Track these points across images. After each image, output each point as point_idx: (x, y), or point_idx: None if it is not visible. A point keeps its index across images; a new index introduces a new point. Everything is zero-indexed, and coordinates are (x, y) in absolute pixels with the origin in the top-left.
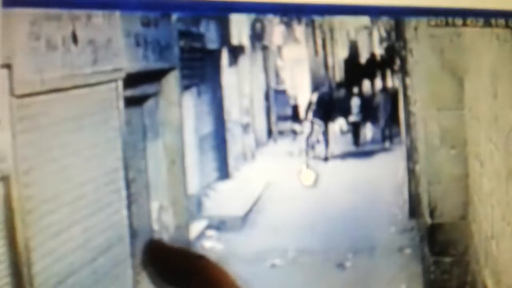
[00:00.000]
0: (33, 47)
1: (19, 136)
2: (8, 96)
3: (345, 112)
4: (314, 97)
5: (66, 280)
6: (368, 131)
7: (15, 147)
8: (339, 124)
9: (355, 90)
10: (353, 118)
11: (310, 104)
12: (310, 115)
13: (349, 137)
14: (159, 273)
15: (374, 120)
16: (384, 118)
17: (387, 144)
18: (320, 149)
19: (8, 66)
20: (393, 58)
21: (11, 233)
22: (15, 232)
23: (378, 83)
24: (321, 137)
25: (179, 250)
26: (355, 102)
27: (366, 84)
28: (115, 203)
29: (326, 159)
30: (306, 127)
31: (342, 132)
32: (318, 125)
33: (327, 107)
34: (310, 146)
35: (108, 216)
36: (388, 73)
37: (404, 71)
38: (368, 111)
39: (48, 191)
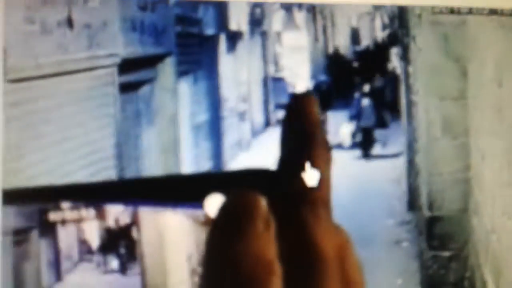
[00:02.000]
0: (27, 32)
1: (11, 121)
2: (1, 81)
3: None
4: (311, 85)
5: None
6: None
7: (7, 132)
8: (346, 131)
9: (366, 88)
10: (364, 122)
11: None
12: None
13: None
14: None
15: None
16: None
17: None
18: None
19: (2, 51)
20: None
21: None
22: None
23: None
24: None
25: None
26: (365, 103)
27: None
28: None
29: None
30: None
31: (351, 141)
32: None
33: (326, 97)
34: None
35: None
36: (390, 60)
37: (406, 59)
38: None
39: (40, 177)
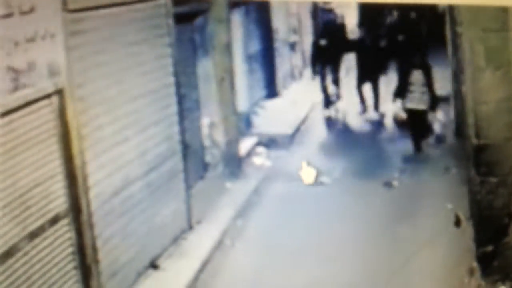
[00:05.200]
0: None
1: (73, 50)
2: (61, 11)
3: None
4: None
5: (121, 192)
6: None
7: (69, 61)
8: (393, 111)
9: (417, 60)
10: (413, 103)
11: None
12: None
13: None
14: None
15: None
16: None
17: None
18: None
19: None
20: None
21: (67, 145)
22: (70, 144)
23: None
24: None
25: None
26: (417, 79)
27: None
28: (167, 118)
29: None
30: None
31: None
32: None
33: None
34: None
35: (161, 130)
36: None
37: None
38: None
39: (102, 105)
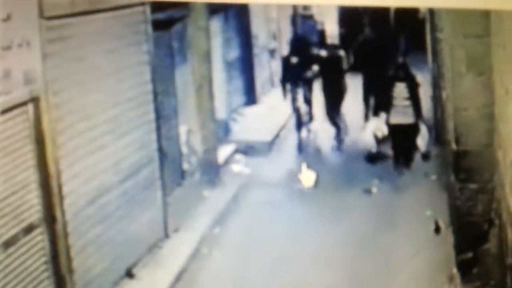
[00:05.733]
0: None
1: (49, 58)
2: (38, 19)
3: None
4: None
5: (96, 201)
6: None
7: (45, 68)
8: (374, 127)
9: (401, 73)
10: (398, 118)
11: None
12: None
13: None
14: None
15: None
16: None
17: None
18: None
19: None
20: None
21: (41, 154)
22: (45, 152)
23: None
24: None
25: None
26: (400, 91)
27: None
28: (144, 125)
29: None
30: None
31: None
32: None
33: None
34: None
35: (138, 138)
36: None
37: None
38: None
39: (78, 112)
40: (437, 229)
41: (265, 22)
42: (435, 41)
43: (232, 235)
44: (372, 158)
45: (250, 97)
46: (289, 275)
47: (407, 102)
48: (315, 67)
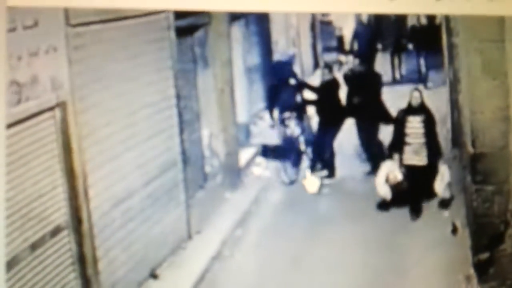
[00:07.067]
0: None
1: (75, 64)
2: (64, 26)
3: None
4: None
5: (121, 203)
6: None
7: (71, 74)
8: (386, 173)
9: (414, 101)
10: (412, 158)
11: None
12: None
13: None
14: None
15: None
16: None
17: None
18: None
19: None
20: None
21: (68, 157)
22: (72, 156)
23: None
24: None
25: None
26: (415, 125)
27: None
28: (168, 129)
29: None
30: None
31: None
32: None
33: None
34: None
35: (162, 142)
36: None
37: None
38: None
39: (103, 117)
40: (454, 230)
41: (285, 28)
42: (451, 46)
43: (253, 237)
44: (385, 206)
45: (270, 102)
46: (310, 277)
47: (423, 140)
48: None
